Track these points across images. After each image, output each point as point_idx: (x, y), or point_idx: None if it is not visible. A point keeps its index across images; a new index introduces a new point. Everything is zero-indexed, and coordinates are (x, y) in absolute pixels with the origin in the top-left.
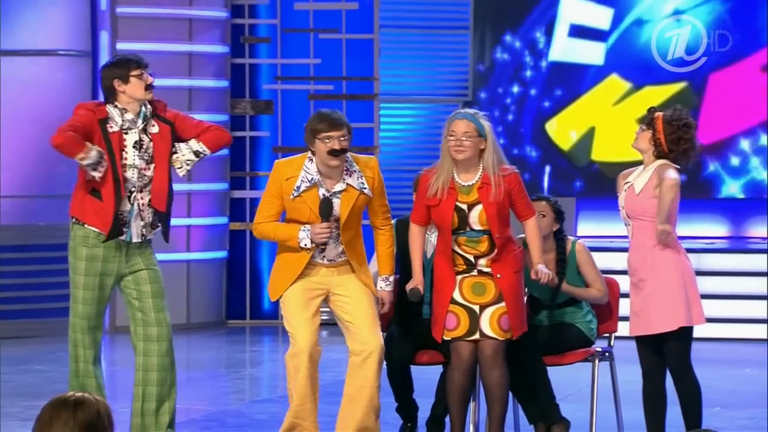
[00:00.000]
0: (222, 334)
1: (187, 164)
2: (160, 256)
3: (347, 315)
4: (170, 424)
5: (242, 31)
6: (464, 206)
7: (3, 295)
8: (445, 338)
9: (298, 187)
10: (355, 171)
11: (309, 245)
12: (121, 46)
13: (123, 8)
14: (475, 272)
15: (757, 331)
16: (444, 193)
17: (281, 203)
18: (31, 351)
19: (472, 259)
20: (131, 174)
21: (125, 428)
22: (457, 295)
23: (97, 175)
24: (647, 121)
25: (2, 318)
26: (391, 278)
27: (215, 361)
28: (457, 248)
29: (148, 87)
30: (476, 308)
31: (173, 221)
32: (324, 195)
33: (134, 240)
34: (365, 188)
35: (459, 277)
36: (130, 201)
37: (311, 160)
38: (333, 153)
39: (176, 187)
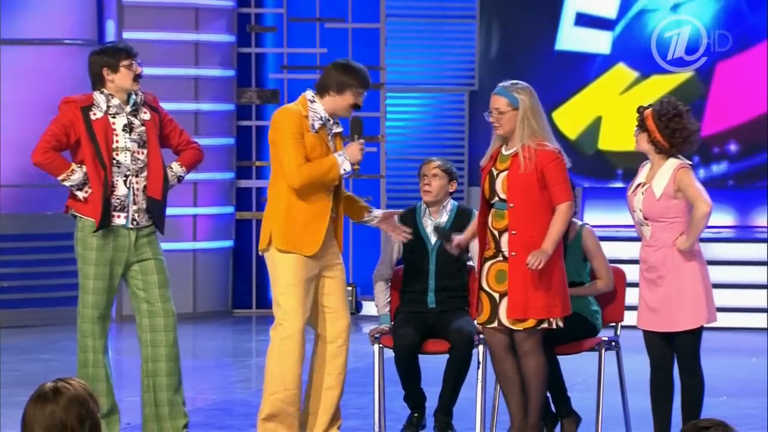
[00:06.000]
0: (228, 324)
1: (169, 189)
2: (166, 245)
3: (325, 297)
4: (186, 413)
5: (248, 20)
6: (495, 172)
7: (8, 284)
8: (477, 323)
9: (313, 125)
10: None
11: (348, 168)
12: (127, 35)
13: None
14: (500, 257)
15: (757, 321)
16: (486, 162)
17: (305, 142)
18: (37, 340)
19: (497, 234)
20: (124, 157)
21: (131, 416)
22: (483, 282)
23: (81, 195)
24: (639, 122)
25: (7, 307)
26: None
27: (221, 350)
28: (489, 224)
29: (137, 77)
30: (497, 296)
31: (180, 210)
32: (331, 130)
33: (129, 225)
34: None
35: (488, 263)
36: (126, 185)
37: (312, 101)
38: (356, 108)
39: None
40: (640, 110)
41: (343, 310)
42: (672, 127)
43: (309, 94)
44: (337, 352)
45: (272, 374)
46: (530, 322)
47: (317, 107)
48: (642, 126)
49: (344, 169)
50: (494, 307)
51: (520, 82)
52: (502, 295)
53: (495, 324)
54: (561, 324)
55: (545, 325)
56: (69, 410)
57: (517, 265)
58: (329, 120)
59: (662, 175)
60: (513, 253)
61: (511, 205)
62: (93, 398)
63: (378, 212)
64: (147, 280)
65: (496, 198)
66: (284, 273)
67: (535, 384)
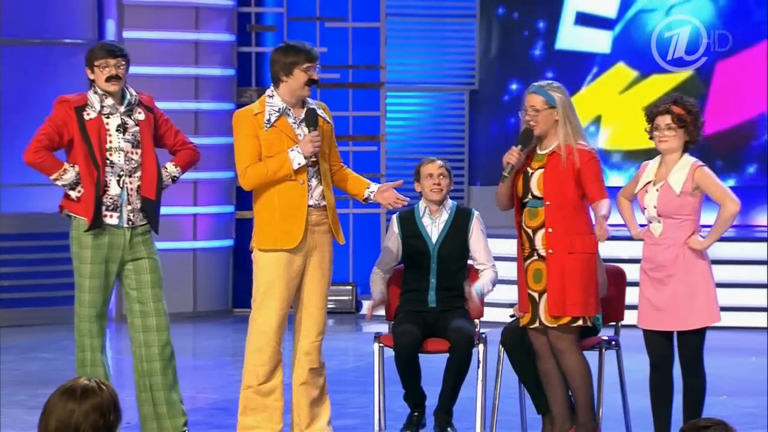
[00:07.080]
0: (228, 323)
1: (164, 189)
2: (167, 245)
3: (304, 292)
4: (184, 411)
5: (248, 20)
6: (530, 171)
7: (8, 284)
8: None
9: (269, 120)
10: (311, 103)
11: (302, 161)
12: (127, 34)
13: None
14: (536, 256)
15: (757, 320)
16: (521, 162)
17: (258, 141)
18: (37, 339)
19: (531, 233)
20: (118, 158)
21: (131, 416)
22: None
23: (74, 194)
24: (676, 120)
25: (7, 307)
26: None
27: (222, 349)
28: (523, 223)
29: (110, 78)
30: (536, 296)
31: (180, 209)
32: (297, 117)
33: (124, 225)
34: (325, 116)
35: (525, 263)
36: (119, 185)
37: (271, 96)
38: (312, 83)
39: (183, 175)
40: (662, 109)
41: (317, 307)
42: (701, 121)
43: (269, 90)
44: (309, 348)
45: (246, 368)
46: (565, 319)
47: (275, 101)
48: (682, 122)
49: (298, 164)
50: (535, 307)
51: (554, 81)
52: (540, 294)
53: (536, 324)
54: (589, 324)
55: (580, 322)
56: (87, 416)
57: (555, 262)
58: (289, 109)
59: (679, 171)
60: (550, 251)
61: (548, 202)
62: (117, 410)
63: (374, 186)
64: (140, 279)
65: (530, 196)
66: (264, 273)
67: (577, 382)
